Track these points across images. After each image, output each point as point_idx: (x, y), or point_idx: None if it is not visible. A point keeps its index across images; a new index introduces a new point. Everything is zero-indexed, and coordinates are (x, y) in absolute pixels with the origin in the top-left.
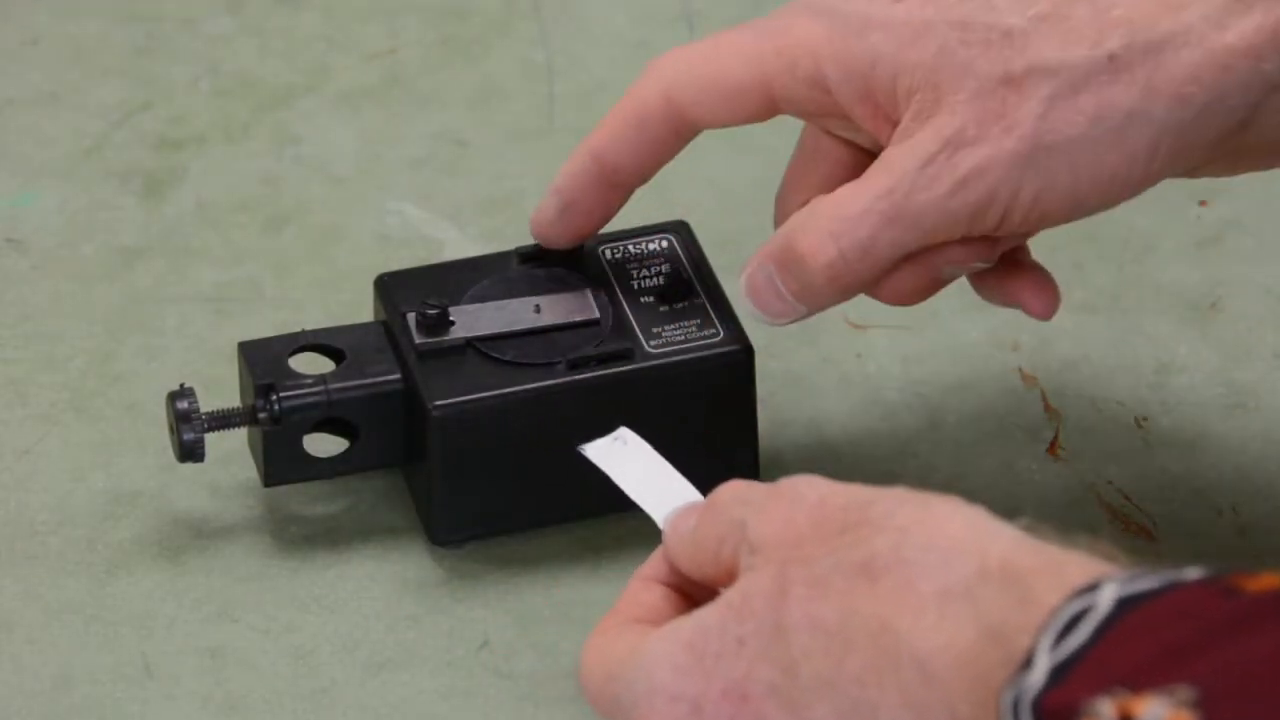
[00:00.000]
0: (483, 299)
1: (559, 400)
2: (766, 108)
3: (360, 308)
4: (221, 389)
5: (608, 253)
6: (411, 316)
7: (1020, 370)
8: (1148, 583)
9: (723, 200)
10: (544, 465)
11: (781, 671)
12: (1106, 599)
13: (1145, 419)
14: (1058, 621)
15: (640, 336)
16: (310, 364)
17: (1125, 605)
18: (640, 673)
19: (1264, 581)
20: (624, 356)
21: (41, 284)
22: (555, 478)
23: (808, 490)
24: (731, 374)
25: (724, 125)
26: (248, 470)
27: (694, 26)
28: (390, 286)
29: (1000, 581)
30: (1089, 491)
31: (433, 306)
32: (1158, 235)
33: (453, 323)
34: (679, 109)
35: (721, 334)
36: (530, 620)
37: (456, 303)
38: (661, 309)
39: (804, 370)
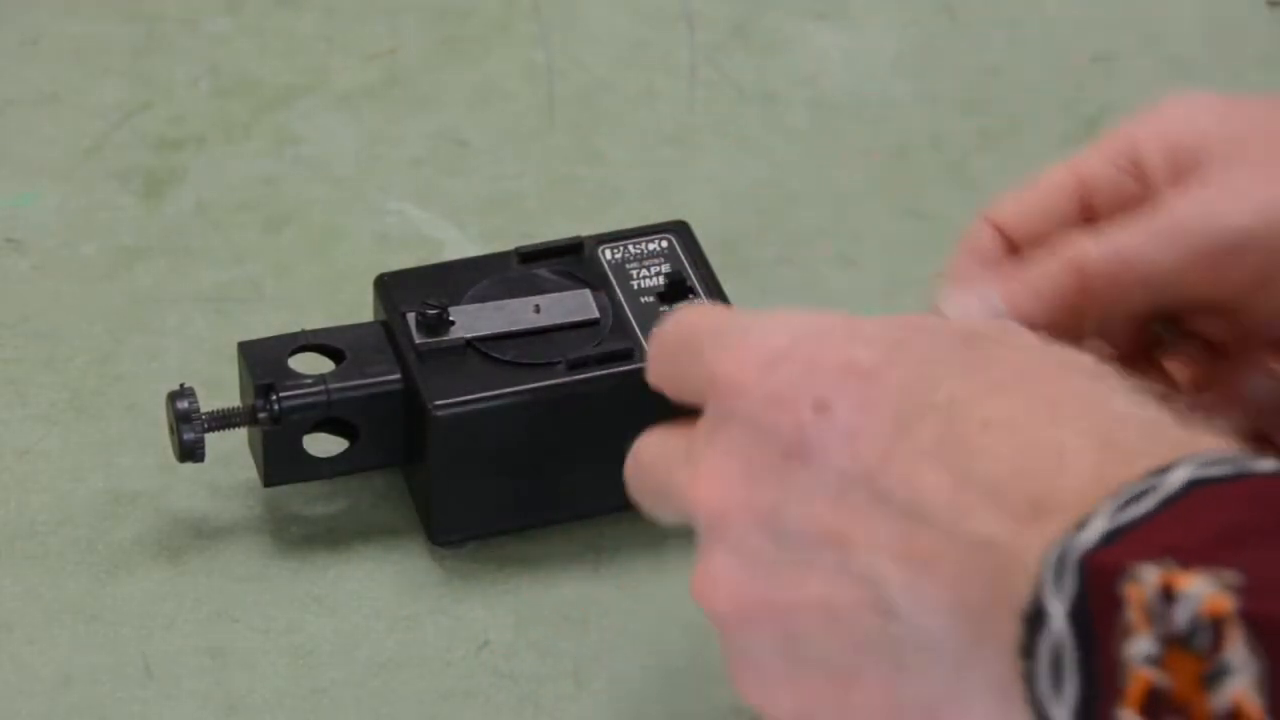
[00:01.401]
0: (483, 299)
1: (559, 400)
2: (1076, 200)
3: (360, 308)
4: (221, 389)
5: (608, 253)
6: (411, 316)
7: None
8: (1221, 468)
9: (723, 200)
10: (544, 465)
11: (918, 379)
12: (1178, 478)
13: None
14: (1124, 494)
15: (640, 337)
16: (310, 364)
17: (1195, 485)
18: (775, 316)
19: None
20: (624, 357)
21: (41, 284)
22: (555, 478)
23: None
24: None
25: (1038, 232)
26: (248, 470)
27: (694, 26)
28: (390, 286)
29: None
30: None
31: (433, 306)
32: None
33: (453, 323)
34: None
35: None
36: (530, 620)
37: (456, 303)
38: (661, 309)
39: None
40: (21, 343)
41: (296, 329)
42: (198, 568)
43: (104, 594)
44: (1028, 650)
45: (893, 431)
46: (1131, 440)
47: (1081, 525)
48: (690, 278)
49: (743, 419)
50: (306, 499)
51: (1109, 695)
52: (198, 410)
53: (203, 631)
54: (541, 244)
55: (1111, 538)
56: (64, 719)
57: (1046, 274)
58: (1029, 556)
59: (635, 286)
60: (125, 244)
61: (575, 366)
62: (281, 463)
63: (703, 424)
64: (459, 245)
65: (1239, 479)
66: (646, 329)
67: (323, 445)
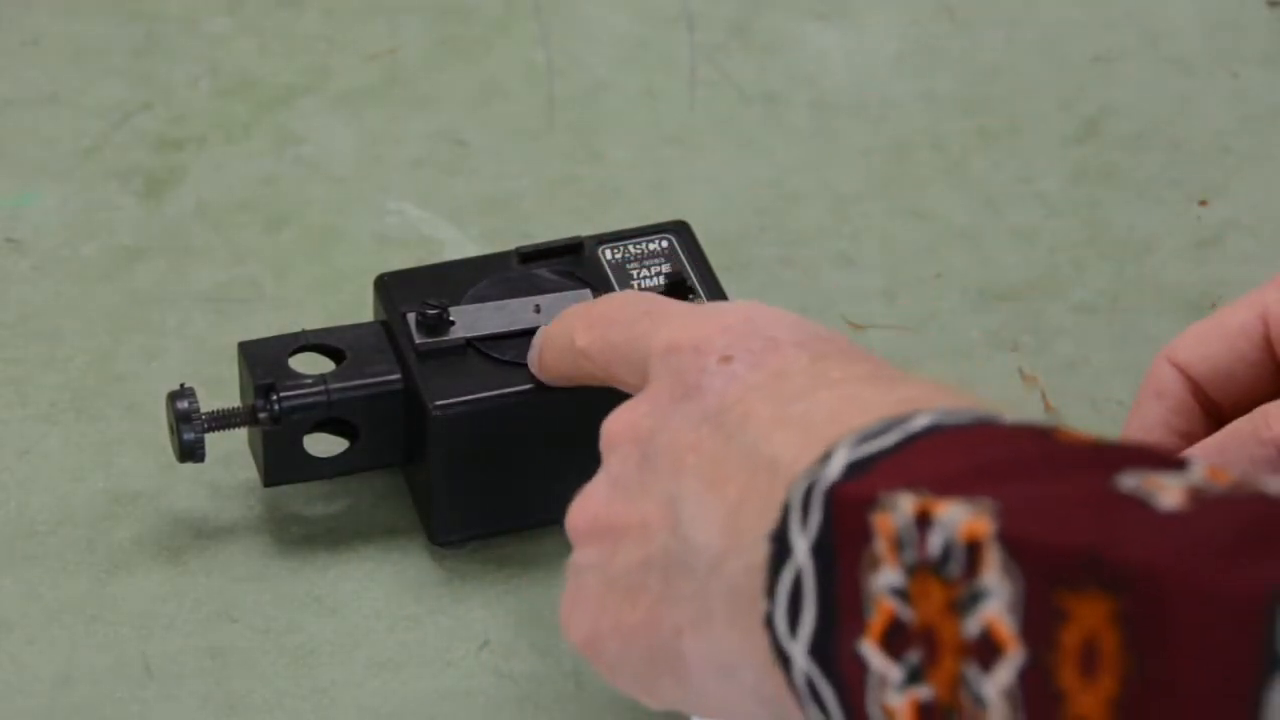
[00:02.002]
0: (483, 299)
1: (559, 400)
2: (1263, 344)
3: (360, 308)
4: (221, 389)
5: (608, 253)
6: (411, 316)
7: (1020, 370)
8: (963, 416)
9: (723, 200)
10: (544, 465)
11: (819, 355)
12: (919, 421)
13: None
14: (864, 429)
15: None
16: (310, 364)
17: (935, 430)
18: (733, 305)
19: (1081, 437)
20: None
21: (41, 284)
22: (555, 477)
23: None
24: None
25: (1225, 375)
26: (248, 470)
27: (694, 26)
28: (390, 286)
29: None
30: None
31: (433, 306)
32: (1158, 235)
33: (453, 323)
34: (1182, 367)
35: None
36: (530, 620)
37: (456, 303)
38: None
39: None
40: (21, 343)
41: (296, 329)
42: (198, 568)
43: (104, 594)
44: (770, 589)
45: (764, 380)
46: (936, 400)
47: (826, 458)
48: (690, 278)
49: (669, 369)
50: (306, 499)
51: (850, 628)
52: (198, 410)
53: (203, 631)
54: (541, 244)
55: (855, 469)
56: (64, 719)
57: (1244, 458)
58: (798, 473)
59: (635, 286)
60: (125, 244)
61: None
62: (281, 463)
63: (644, 381)
64: (459, 245)
65: (980, 425)
66: None
67: (323, 445)
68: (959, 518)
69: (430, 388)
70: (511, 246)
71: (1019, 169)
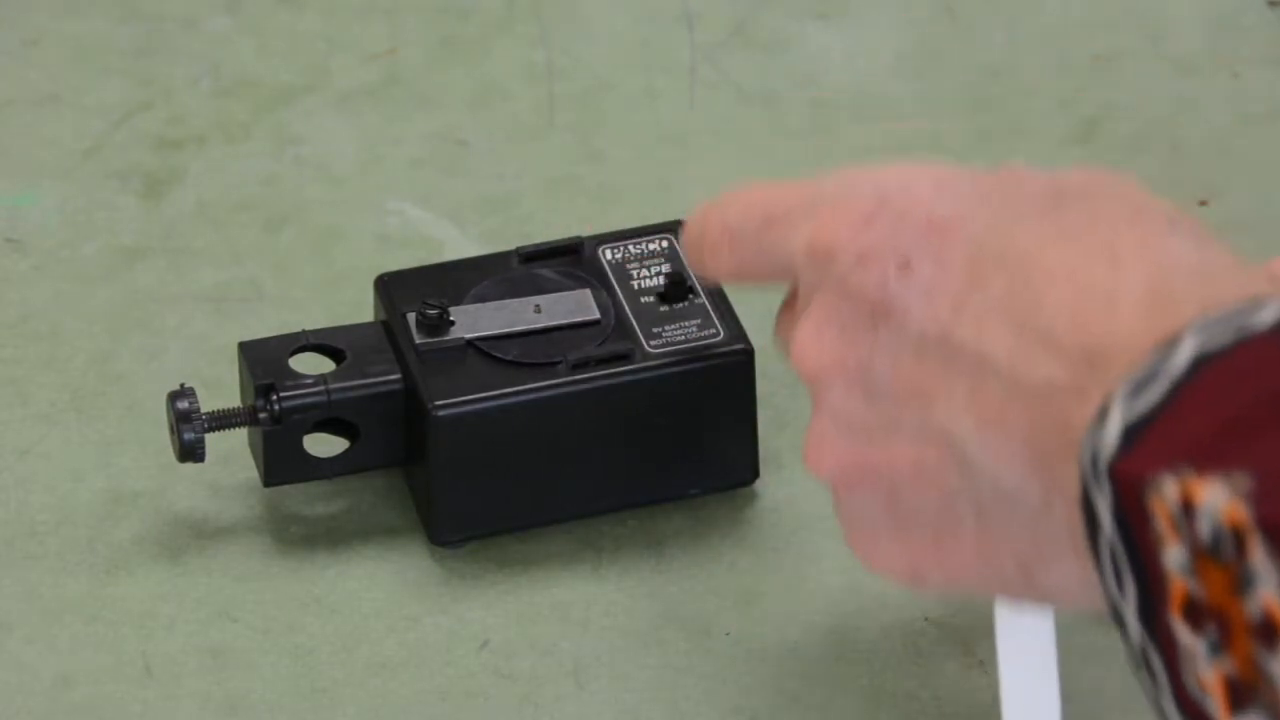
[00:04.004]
0: (483, 299)
1: (559, 401)
2: None
3: (360, 308)
4: (221, 389)
5: (608, 253)
6: (411, 316)
7: None
8: (1224, 335)
9: None
10: (544, 465)
11: (993, 233)
12: (1184, 356)
13: None
14: (1136, 375)
15: (640, 337)
16: (310, 364)
17: (1201, 364)
18: (869, 177)
19: None
20: (624, 357)
21: (41, 284)
22: (555, 478)
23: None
24: (731, 374)
25: None
26: (248, 470)
27: (694, 26)
28: (390, 286)
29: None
30: None
31: (433, 306)
32: None
33: (453, 323)
34: None
35: (722, 334)
36: (530, 620)
37: (456, 303)
38: (662, 309)
39: None
40: (21, 343)
41: (296, 329)
42: (198, 568)
43: (104, 594)
44: (1095, 553)
45: (966, 286)
46: (1178, 286)
47: (1103, 416)
48: (690, 278)
49: (835, 280)
50: (306, 499)
51: (1160, 600)
52: (198, 410)
53: (203, 631)
54: (541, 244)
55: (1130, 436)
56: (64, 719)
57: None
58: (1087, 407)
59: (635, 286)
60: (125, 244)
61: (576, 367)
62: (281, 463)
63: (800, 293)
64: (459, 245)
65: (1240, 347)
66: (647, 329)
67: (323, 445)
68: (1218, 503)
69: (430, 388)
70: (511, 246)
71: None
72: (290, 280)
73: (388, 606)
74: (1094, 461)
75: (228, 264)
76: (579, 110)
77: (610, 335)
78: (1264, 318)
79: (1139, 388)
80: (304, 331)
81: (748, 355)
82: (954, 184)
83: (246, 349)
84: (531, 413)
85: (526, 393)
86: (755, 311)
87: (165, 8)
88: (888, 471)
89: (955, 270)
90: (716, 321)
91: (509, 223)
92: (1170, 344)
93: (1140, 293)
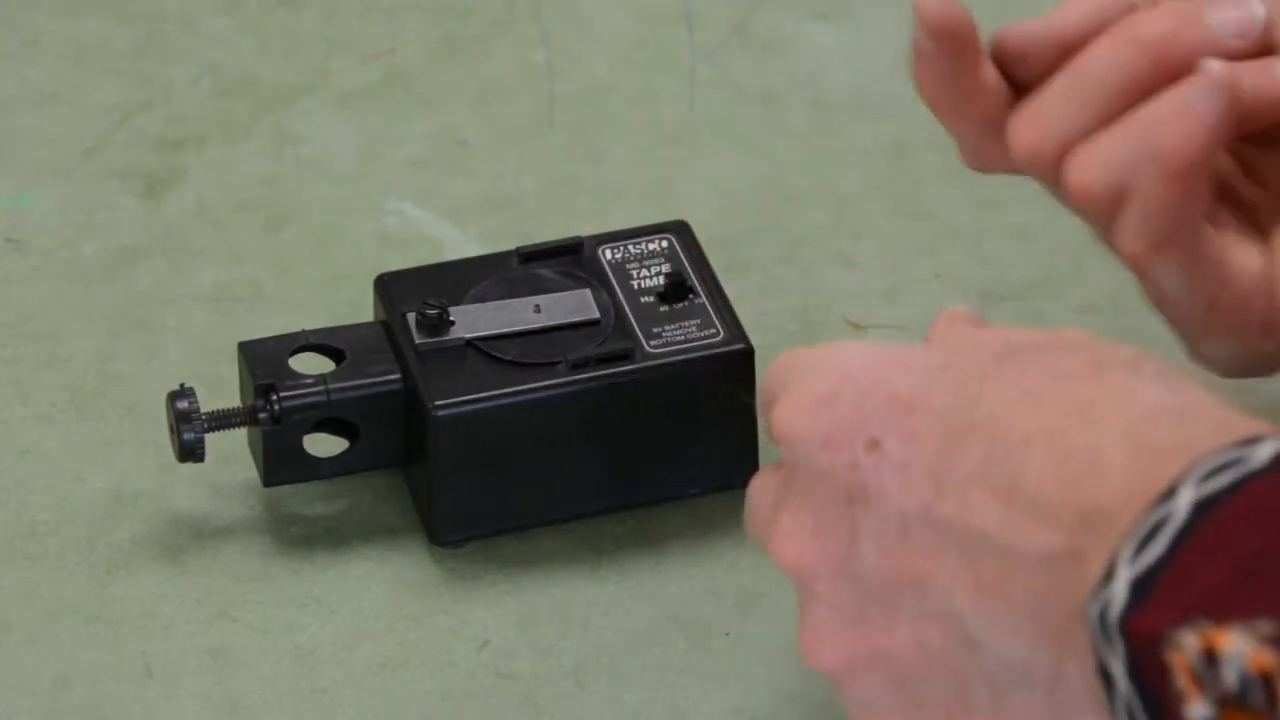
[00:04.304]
0: (483, 299)
1: (559, 401)
2: None
3: (360, 308)
4: (221, 389)
5: (608, 253)
6: (411, 316)
7: None
8: (1223, 478)
9: (723, 200)
10: (544, 465)
11: (959, 402)
12: (1183, 505)
13: None
14: (1139, 530)
15: (640, 336)
16: (310, 364)
17: (1202, 510)
18: (828, 355)
19: None
20: (624, 357)
21: (41, 284)
22: (555, 478)
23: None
24: (731, 374)
25: None
26: (248, 470)
27: (694, 26)
28: (390, 286)
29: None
30: None
31: (433, 306)
32: None
33: (453, 323)
34: None
35: (721, 334)
36: (530, 620)
37: (456, 303)
38: (662, 309)
39: None
40: (21, 343)
41: (296, 329)
42: (198, 568)
43: (104, 594)
44: (1112, 708)
45: (941, 459)
46: (1158, 434)
47: (1109, 575)
48: (690, 278)
49: (804, 466)
50: (306, 499)
51: None
52: (198, 410)
53: (203, 631)
54: (541, 244)
55: (1139, 591)
56: (64, 719)
57: None
58: (1089, 570)
59: (635, 286)
60: (125, 244)
61: (576, 367)
62: (281, 463)
63: (783, 474)
64: (459, 245)
65: (1241, 490)
66: (647, 329)
67: (323, 445)
68: (1243, 651)
69: (430, 388)
70: (511, 246)
71: None
72: (290, 280)
73: (388, 606)
74: (1103, 621)
75: (228, 264)
76: (579, 110)
77: (610, 335)
78: (1260, 456)
79: (1143, 543)
80: (304, 331)
81: (748, 355)
82: (910, 358)
83: (246, 349)
84: (531, 412)
85: (526, 392)
86: (755, 311)
87: (165, 8)
88: (892, 657)
89: (927, 444)
90: (716, 321)
91: (509, 223)
92: (1168, 495)
93: (1122, 447)
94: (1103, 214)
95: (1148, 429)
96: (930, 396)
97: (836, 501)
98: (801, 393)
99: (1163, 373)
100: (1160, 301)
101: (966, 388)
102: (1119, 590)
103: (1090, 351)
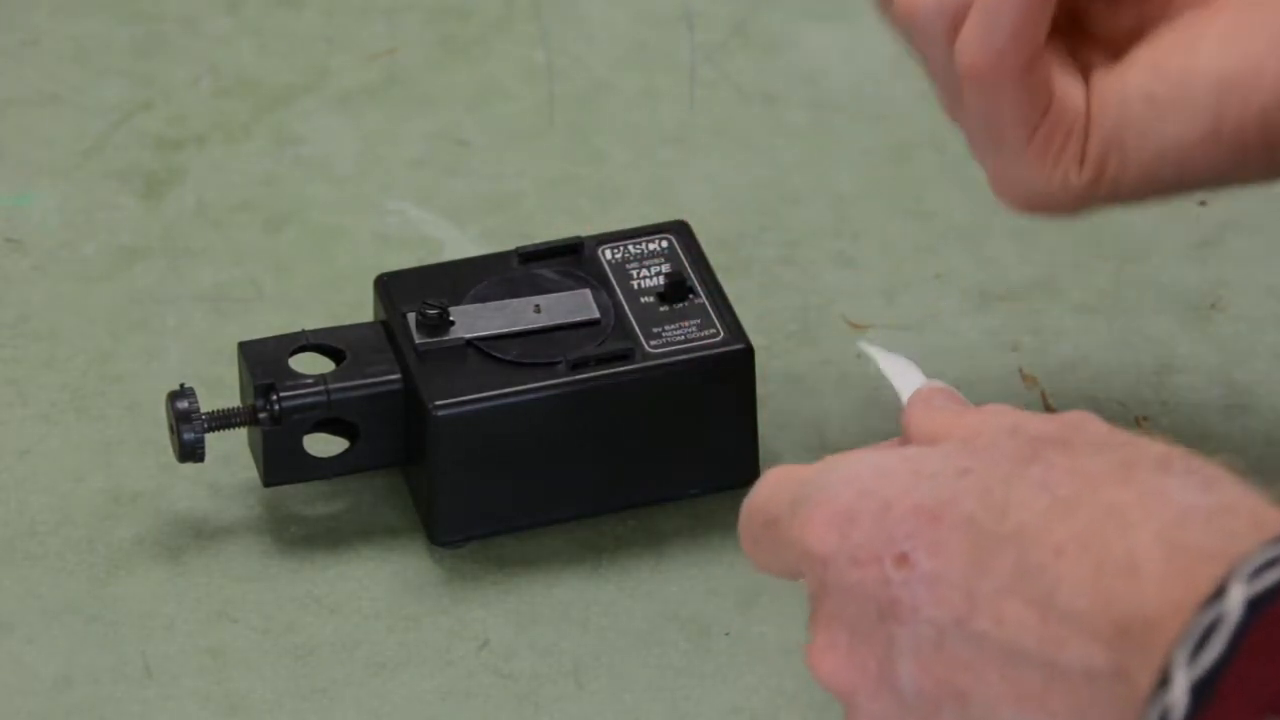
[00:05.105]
0: (483, 299)
1: (559, 401)
2: None
3: (360, 308)
4: (221, 389)
5: (608, 253)
6: (411, 316)
7: (1020, 370)
8: (1272, 575)
9: (723, 200)
10: (544, 465)
11: (986, 510)
12: (1236, 603)
13: (1145, 419)
14: (1192, 634)
15: (640, 336)
16: (310, 364)
17: (1256, 607)
18: (840, 469)
19: None
20: (624, 357)
21: (41, 284)
22: (555, 478)
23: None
24: (731, 374)
25: None
26: (248, 470)
27: (694, 26)
28: (390, 286)
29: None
30: None
31: (433, 306)
32: (1157, 235)
33: (453, 323)
34: None
35: (721, 334)
36: (530, 620)
37: (456, 303)
38: (662, 309)
39: (804, 370)
40: (21, 343)
41: (296, 329)
42: (198, 568)
43: (104, 594)
44: None
45: (972, 571)
46: (1193, 535)
47: (1164, 683)
48: (690, 278)
49: (834, 586)
50: (306, 499)
51: None
52: (198, 410)
53: (203, 631)
54: (541, 244)
55: (1199, 694)
56: (64, 719)
57: None
58: (1133, 685)
59: (635, 286)
60: (125, 244)
61: (576, 367)
62: (281, 463)
63: (811, 595)
64: (459, 245)
65: None
66: (647, 329)
67: (323, 445)
68: None
69: (430, 388)
70: (511, 246)
71: None
72: (290, 280)
73: (388, 606)
74: None
75: (228, 264)
76: (579, 110)
77: (610, 335)
78: None
79: (1199, 645)
80: (304, 331)
81: (748, 355)
82: (924, 464)
83: (246, 349)
84: (531, 412)
85: (526, 392)
86: (755, 311)
87: (165, 8)
88: None
89: (956, 557)
90: (716, 321)
91: (509, 223)
92: (1217, 595)
93: (1158, 553)
94: (939, 30)
95: (1182, 532)
96: (955, 504)
97: (870, 618)
98: (819, 510)
99: (1192, 470)
100: (982, 123)
101: (992, 494)
102: (1178, 696)
103: (1117, 451)
